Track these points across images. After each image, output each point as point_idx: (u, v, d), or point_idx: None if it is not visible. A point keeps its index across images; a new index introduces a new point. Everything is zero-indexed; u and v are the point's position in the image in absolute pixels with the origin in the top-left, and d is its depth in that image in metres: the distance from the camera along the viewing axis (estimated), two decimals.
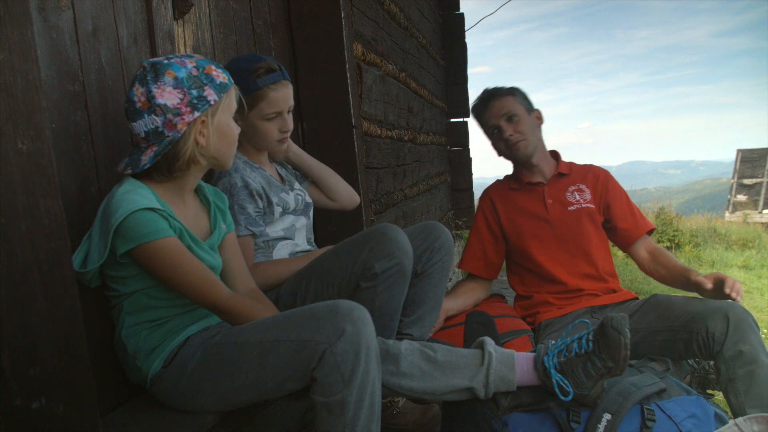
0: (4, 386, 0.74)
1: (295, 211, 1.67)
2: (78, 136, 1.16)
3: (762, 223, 15.29)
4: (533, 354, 1.28)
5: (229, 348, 1.10)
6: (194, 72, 1.14)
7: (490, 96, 2.10)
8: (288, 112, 1.60)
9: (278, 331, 1.07)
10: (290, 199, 1.65)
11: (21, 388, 0.76)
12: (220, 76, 1.18)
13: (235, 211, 1.46)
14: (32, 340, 0.78)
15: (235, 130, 1.24)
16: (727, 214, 19.77)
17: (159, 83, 1.12)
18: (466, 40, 5.05)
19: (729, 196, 22.04)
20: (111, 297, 1.17)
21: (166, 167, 1.16)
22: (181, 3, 1.49)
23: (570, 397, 1.18)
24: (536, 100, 2.26)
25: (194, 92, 1.13)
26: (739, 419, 1.24)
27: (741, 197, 21.34)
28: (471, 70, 5.65)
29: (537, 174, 2.11)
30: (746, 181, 21.54)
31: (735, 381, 1.48)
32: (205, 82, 1.15)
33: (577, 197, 2.08)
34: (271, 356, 1.06)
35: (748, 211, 18.77)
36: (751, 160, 21.92)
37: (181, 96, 1.12)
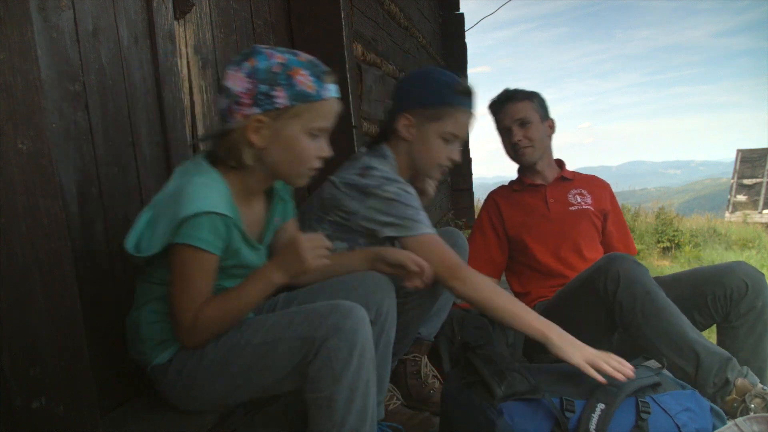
0: (4, 386, 0.74)
1: None
2: (78, 136, 1.16)
3: (762, 223, 15.29)
4: None
5: (232, 351, 1.08)
6: (276, 69, 1.06)
7: (509, 98, 2.11)
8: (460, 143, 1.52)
9: (280, 331, 1.06)
10: None
11: (21, 388, 0.76)
12: (308, 84, 1.08)
13: (412, 213, 1.38)
14: (32, 340, 0.78)
15: (308, 149, 1.12)
16: (727, 214, 19.77)
17: (237, 67, 1.07)
18: (466, 40, 5.06)
19: (729, 196, 22.04)
20: (149, 273, 1.13)
21: (223, 155, 1.11)
22: (182, 3, 1.49)
23: None
24: None
25: (263, 87, 1.06)
26: (739, 419, 1.24)
27: (741, 197, 21.33)
28: (471, 70, 5.66)
29: (539, 177, 2.16)
30: (746, 181, 21.53)
31: (738, 329, 1.64)
32: (281, 82, 1.06)
33: (579, 200, 2.13)
34: (272, 355, 1.06)
35: (748, 211, 18.76)
36: (751, 160, 21.92)
37: (249, 86, 1.06)
